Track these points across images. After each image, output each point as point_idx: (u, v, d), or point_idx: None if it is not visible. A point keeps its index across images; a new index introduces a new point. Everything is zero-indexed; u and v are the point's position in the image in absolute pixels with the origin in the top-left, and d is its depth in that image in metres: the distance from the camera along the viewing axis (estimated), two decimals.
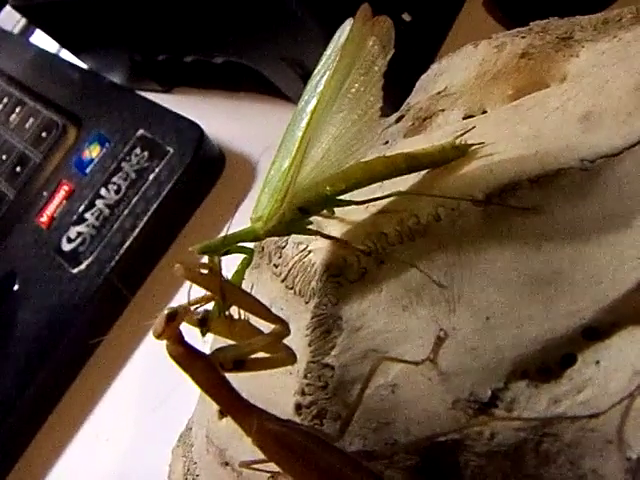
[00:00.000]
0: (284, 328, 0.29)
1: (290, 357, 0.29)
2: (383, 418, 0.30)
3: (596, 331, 0.28)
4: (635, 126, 0.29)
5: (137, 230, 0.64)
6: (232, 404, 0.28)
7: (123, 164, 0.68)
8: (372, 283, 0.31)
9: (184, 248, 0.64)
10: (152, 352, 0.61)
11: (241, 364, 0.29)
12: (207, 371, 0.28)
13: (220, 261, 0.29)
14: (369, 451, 0.29)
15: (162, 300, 0.62)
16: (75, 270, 0.66)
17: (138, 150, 0.68)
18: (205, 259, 0.29)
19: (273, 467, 0.31)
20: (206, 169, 0.67)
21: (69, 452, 0.62)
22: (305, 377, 0.31)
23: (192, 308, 0.28)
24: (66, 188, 0.71)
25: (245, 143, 0.68)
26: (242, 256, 0.33)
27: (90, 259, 0.65)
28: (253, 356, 0.29)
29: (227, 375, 0.29)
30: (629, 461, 0.26)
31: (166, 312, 0.27)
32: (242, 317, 0.29)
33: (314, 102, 0.31)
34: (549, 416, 0.27)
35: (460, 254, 0.30)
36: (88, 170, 0.71)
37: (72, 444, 0.62)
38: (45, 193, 0.73)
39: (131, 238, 0.64)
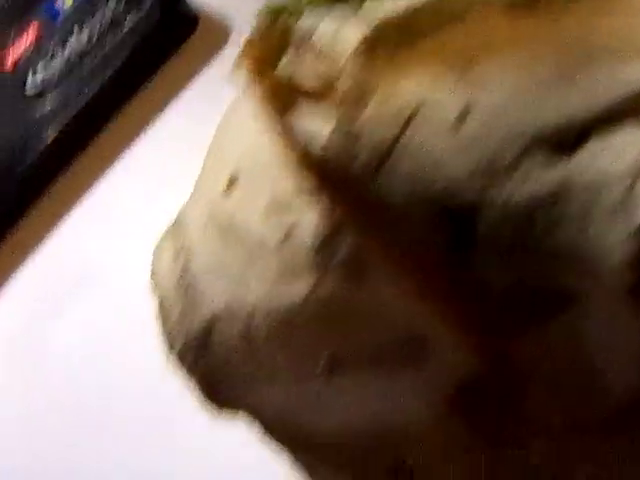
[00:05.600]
0: None
1: None
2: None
3: (614, 112, 0.30)
4: None
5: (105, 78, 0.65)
6: None
7: (97, 14, 0.68)
8: None
9: (147, 100, 0.67)
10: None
11: None
12: None
13: None
14: None
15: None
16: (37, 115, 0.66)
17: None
18: None
19: None
20: (179, 24, 0.68)
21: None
22: None
23: None
24: (35, 33, 0.70)
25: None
26: None
27: (55, 104, 0.65)
28: None
29: None
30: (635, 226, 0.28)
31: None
32: None
33: None
34: (562, 181, 0.29)
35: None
36: (60, 18, 0.70)
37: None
38: (12, 35, 0.72)
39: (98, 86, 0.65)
